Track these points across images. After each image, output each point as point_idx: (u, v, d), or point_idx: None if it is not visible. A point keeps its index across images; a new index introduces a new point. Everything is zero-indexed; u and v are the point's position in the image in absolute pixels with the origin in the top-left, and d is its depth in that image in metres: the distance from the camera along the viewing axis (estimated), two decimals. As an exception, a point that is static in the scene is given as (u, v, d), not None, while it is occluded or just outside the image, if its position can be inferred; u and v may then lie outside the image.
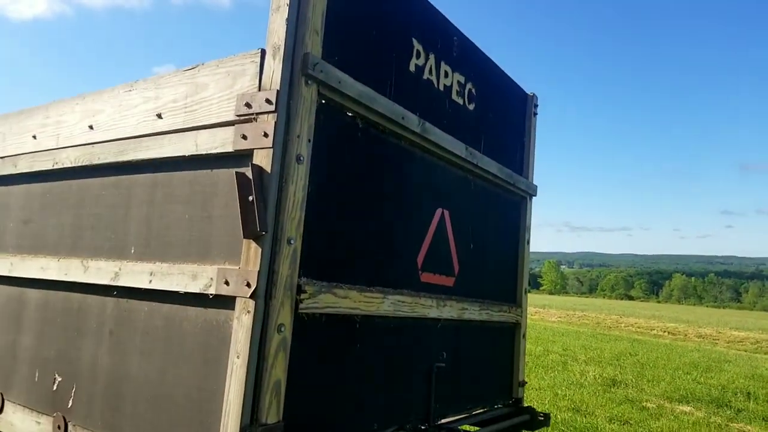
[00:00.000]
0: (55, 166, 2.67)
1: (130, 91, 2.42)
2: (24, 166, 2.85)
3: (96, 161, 2.47)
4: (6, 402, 2.58)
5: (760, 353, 19.23)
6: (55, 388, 2.39)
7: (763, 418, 7.83)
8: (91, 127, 2.56)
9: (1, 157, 3.00)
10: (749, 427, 7.22)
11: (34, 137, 2.86)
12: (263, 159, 1.84)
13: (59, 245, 2.59)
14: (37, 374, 2.48)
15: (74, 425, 2.26)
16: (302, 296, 1.89)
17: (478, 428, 2.92)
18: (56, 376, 2.39)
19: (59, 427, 2.29)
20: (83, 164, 2.53)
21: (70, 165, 2.60)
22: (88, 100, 2.62)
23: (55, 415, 2.33)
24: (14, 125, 3.01)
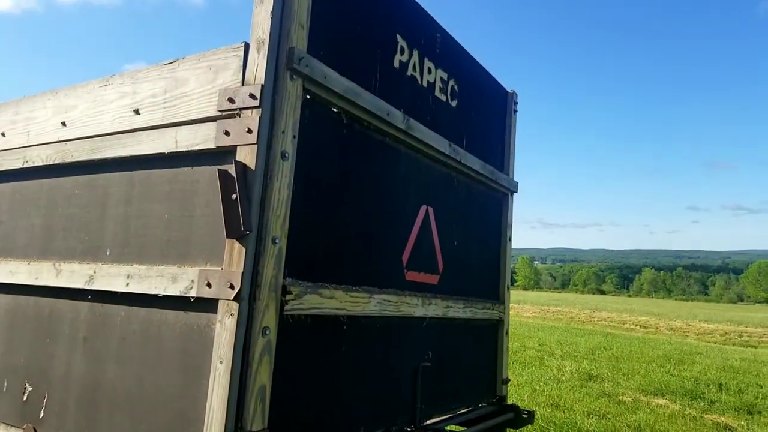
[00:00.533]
0: (25, 165, 2.55)
1: (105, 86, 2.33)
2: (-9, 165, 2.72)
3: (69, 159, 2.36)
4: (-26, 412, 2.46)
5: (729, 344, 19.77)
6: (25, 398, 2.28)
7: (735, 409, 8.02)
8: (63, 124, 2.45)
9: (-34, 156, 2.86)
10: (723, 418, 7.38)
11: (3, 135, 2.73)
12: (247, 156, 1.78)
13: (29, 248, 2.48)
14: (5, 384, 2.37)
15: (47, 436, 2.16)
16: (287, 297, 1.83)
17: (463, 428, 2.89)
18: (26, 385, 2.29)
19: (31, 438, 2.19)
20: (55, 162, 2.42)
21: (41, 163, 2.48)
22: (61, 96, 2.51)
23: (25, 426, 2.23)
24: (-20, 122, 2.87)
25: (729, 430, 6.84)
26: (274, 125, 1.81)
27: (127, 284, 2.02)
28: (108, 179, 2.24)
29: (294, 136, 1.87)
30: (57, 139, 2.43)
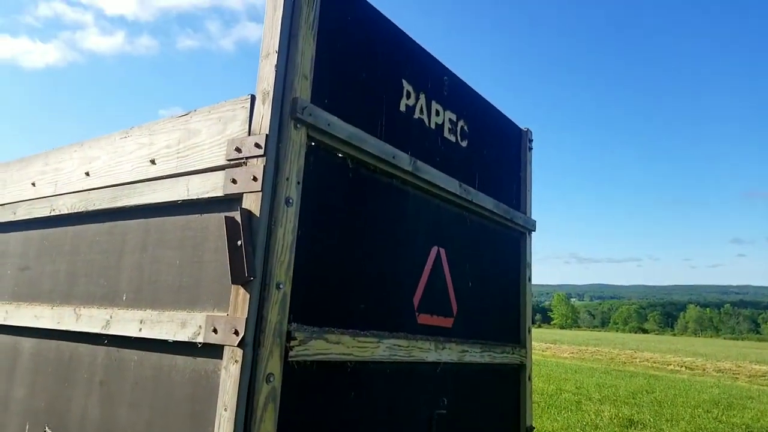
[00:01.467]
0: (53, 213, 2.67)
1: (125, 137, 2.45)
2: (23, 213, 2.87)
3: (91, 207, 2.47)
4: (-4, 456, 2.52)
5: (783, 388, 18.66)
6: (45, 440, 2.33)
7: (787, 458, 7.52)
8: (87, 174, 2.57)
9: (2, 205, 3.02)
10: (775, 469, 6.93)
11: (33, 184, 2.88)
12: (252, 203, 1.83)
13: (54, 292, 2.57)
14: (27, 427, 2.42)
15: (62, 480, 2.19)
16: (292, 343, 1.85)
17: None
18: (46, 429, 2.34)
19: (47, 482, 2.22)
20: (79, 210, 2.53)
21: (66, 212, 2.60)
22: (86, 147, 2.65)
23: (44, 468, 2.27)
24: (15, 173, 3.04)
25: (783, 481, 6.41)
26: (279, 172, 1.86)
27: (140, 329, 2.07)
28: (126, 226, 2.32)
29: (298, 183, 1.92)
30: (81, 189, 2.55)
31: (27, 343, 2.59)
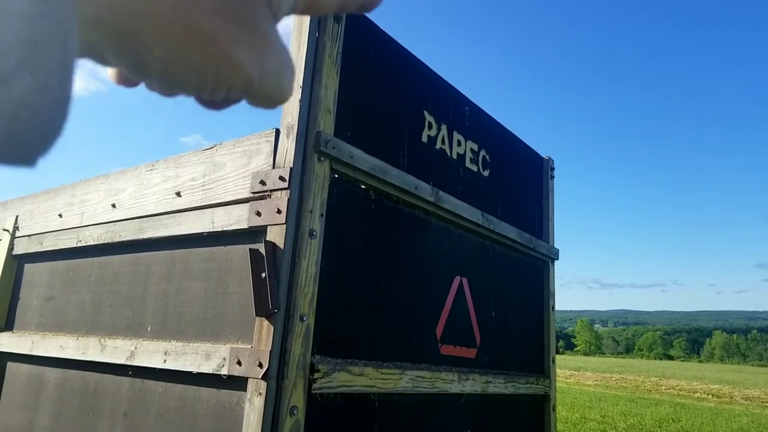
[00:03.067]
0: (79, 244, 2.72)
1: (151, 170, 2.49)
2: (49, 244, 2.92)
3: (117, 239, 2.51)
4: (20, 487, 2.52)
5: (816, 417, 17.97)
6: (68, 472, 2.33)
7: (824, 493, 7.21)
8: (113, 206, 2.62)
9: (29, 235, 3.08)
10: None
11: (60, 216, 2.94)
12: (276, 235, 1.85)
13: (79, 323, 2.60)
14: (51, 457, 2.43)
15: None
16: (315, 375, 1.84)
17: None
18: (70, 459, 2.34)
19: None
20: (105, 242, 2.57)
21: (93, 243, 2.65)
22: (112, 179, 2.70)
23: (67, 501, 2.27)
24: (42, 204, 3.10)
25: None
26: (303, 205, 1.88)
27: (165, 360, 2.08)
28: (151, 257, 2.35)
29: (322, 215, 1.93)
30: (107, 220, 2.60)
31: (52, 373, 2.61)
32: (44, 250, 2.94)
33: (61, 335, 2.63)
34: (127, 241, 2.45)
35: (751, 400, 22.27)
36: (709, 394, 24.08)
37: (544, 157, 3.62)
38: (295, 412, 1.76)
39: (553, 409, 3.25)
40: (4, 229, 3.22)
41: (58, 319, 2.73)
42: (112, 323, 2.42)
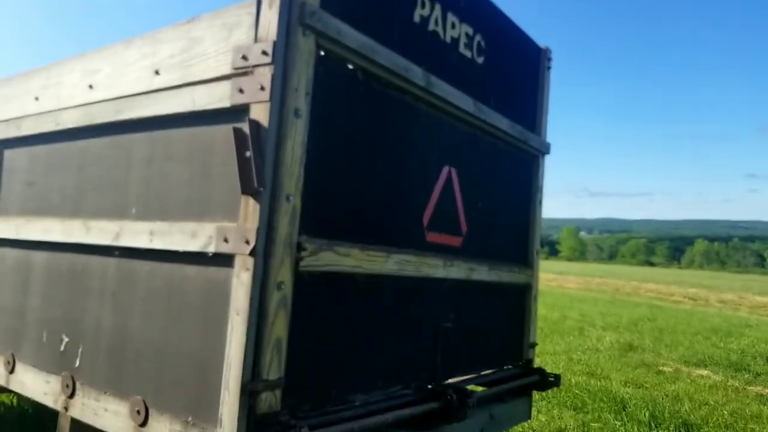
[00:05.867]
0: (57, 128, 2.64)
1: (127, 47, 2.37)
2: (27, 129, 2.83)
3: (96, 121, 2.43)
4: (17, 362, 2.62)
5: (783, 318, 18.99)
6: (62, 348, 2.41)
7: (782, 382, 7.75)
8: (90, 87, 2.51)
9: (6, 120, 2.99)
10: (767, 390, 7.15)
11: (37, 99, 2.83)
12: (260, 113, 1.79)
13: (63, 207, 2.58)
14: (45, 335, 2.50)
15: (81, 384, 2.28)
16: (302, 254, 1.86)
17: (485, 388, 2.90)
18: (63, 336, 2.41)
19: (67, 386, 2.32)
20: (84, 125, 2.49)
21: (71, 126, 2.57)
22: (88, 59, 2.57)
23: (63, 374, 2.36)
24: (17, 87, 2.98)
25: (774, 402, 6.63)
26: (287, 82, 1.80)
27: (151, 240, 2.08)
28: (131, 140, 2.29)
29: (307, 93, 1.86)
30: (84, 102, 2.50)
31: (39, 256, 2.63)
32: (23, 135, 2.86)
33: (45, 219, 2.61)
34: (106, 123, 2.38)
35: (725, 303, 23.40)
36: (685, 297, 25.23)
37: (542, 46, 3.48)
38: (282, 287, 1.79)
39: (535, 298, 3.36)
40: (-20, 114, 3.11)
41: (42, 203, 2.70)
42: (95, 206, 2.40)
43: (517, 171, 3.28)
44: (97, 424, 2.19)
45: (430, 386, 2.51)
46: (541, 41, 3.46)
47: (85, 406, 2.25)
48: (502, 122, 2.95)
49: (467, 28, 2.71)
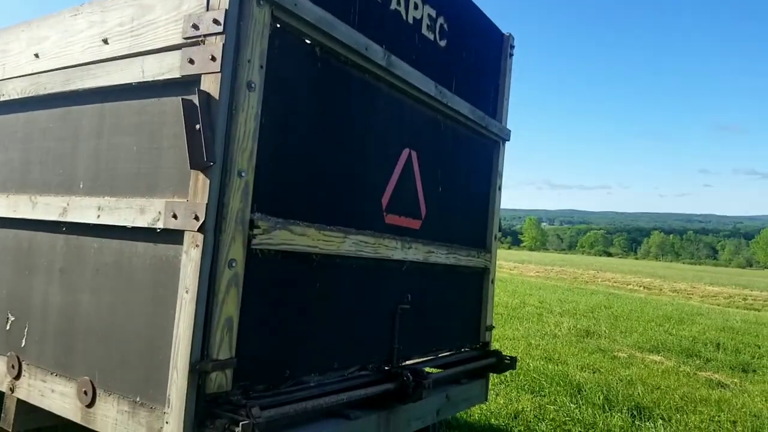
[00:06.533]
0: (2, 98, 2.52)
1: (75, 15, 2.27)
2: (-30, 99, 2.69)
3: (42, 91, 2.33)
4: (-42, 342, 2.50)
5: (732, 307, 19.82)
6: (8, 327, 2.32)
7: (730, 367, 8.09)
8: (36, 56, 2.40)
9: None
10: (717, 375, 7.46)
11: (-20, 68, 2.69)
12: (211, 84, 1.73)
13: (9, 181, 2.47)
14: (-12, 314, 2.40)
15: (28, 364, 2.20)
16: (255, 231, 1.82)
17: (442, 370, 2.92)
18: (9, 315, 2.32)
19: (13, 367, 2.23)
20: (30, 95, 2.39)
21: (17, 96, 2.45)
22: (34, 27, 2.46)
23: (9, 354, 2.27)
24: (-41, 56, 2.82)
25: (722, 386, 6.92)
26: (240, 53, 1.75)
27: (98, 216, 2.01)
28: (80, 112, 2.20)
29: (261, 66, 1.81)
30: (31, 72, 2.39)
31: (-17, 232, 2.51)
32: (-35, 106, 2.72)
33: (-11, 194, 2.50)
34: (54, 94, 2.28)
35: (677, 292, 24.25)
36: (640, 286, 26.06)
37: (505, 33, 3.49)
38: (233, 264, 1.75)
39: (492, 281, 3.40)
40: None
41: (-14, 178, 2.58)
42: (42, 181, 2.31)
43: (478, 156, 3.29)
44: (44, 405, 2.12)
45: (387, 368, 2.51)
46: (504, 27, 3.48)
47: (32, 387, 2.18)
48: (463, 107, 2.95)
49: (430, 10, 2.69)
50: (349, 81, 2.26)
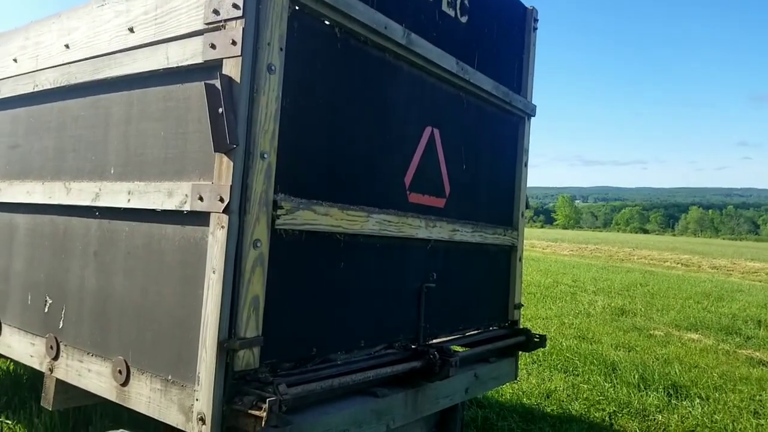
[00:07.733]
0: (36, 89, 2.60)
1: (102, 5, 2.32)
2: (7, 91, 2.80)
3: (73, 81, 2.40)
4: (3, 325, 2.63)
5: (774, 284, 19.22)
6: (46, 310, 2.42)
7: (770, 345, 7.88)
8: (67, 47, 2.47)
9: (-14, 83, 2.94)
10: (758, 354, 7.28)
11: (15, 60, 2.78)
12: (232, 68, 1.76)
13: (44, 169, 2.56)
14: (29, 298, 2.52)
15: (65, 345, 2.30)
16: (279, 212, 1.85)
17: (468, 348, 2.94)
18: (47, 298, 2.42)
19: (51, 348, 2.34)
20: (62, 85, 2.46)
21: (49, 86, 2.53)
22: (63, 18, 2.52)
23: (47, 336, 2.38)
24: (-4, 50, 2.93)
25: (763, 364, 6.76)
26: (260, 37, 1.77)
27: (129, 200, 2.08)
28: (109, 99, 2.26)
29: (281, 49, 1.83)
30: (62, 62, 2.47)
31: (22, 219, 2.62)
32: (3, 97, 2.83)
33: (28, 181, 2.60)
34: (84, 83, 2.34)
35: (717, 269, 23.62)
36: (678, 263, 25.45)
37: (528, 6, 3.42)
38: (258, 245, 1.79)
39: (520, 259, 3.38)
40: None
41: (24, 166, 2.68)
42: (75, 167, 2.39)
43: (502, 133, 3.26)
44: (81, 385, 2.22)
45: (413, 346, 2.54)
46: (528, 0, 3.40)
47: (70, 368, 2.28)
48: (486, 83, 2.92)
49: (450, -15, 2.65)
50: (369, 60, 2.26)
